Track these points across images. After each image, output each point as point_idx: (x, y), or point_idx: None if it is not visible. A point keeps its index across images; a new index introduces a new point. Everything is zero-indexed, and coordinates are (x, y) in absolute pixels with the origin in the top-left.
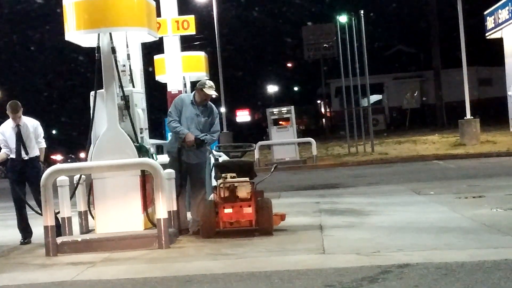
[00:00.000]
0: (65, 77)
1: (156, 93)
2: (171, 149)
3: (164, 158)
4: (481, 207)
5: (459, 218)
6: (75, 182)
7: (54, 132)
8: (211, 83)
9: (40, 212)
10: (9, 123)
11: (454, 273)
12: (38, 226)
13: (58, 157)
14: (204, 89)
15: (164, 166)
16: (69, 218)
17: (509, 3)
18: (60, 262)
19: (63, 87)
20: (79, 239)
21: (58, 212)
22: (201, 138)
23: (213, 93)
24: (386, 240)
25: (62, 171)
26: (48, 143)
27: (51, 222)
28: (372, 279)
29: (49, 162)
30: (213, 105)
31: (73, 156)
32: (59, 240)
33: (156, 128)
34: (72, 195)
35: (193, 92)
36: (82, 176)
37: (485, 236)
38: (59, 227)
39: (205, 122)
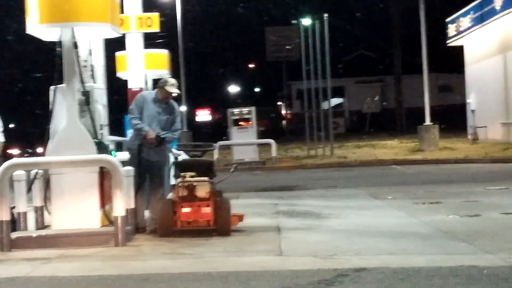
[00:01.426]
0: (25, 71)
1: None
2: (132, 146)
3: (124, 155)
4: (438, 213)
5: (416, 223)
6: (31, 176)
7: (12, 126)
8: (173, 81)
9: None
10: None
11: (411, 278)
12: None
13: (15, 151)
14: (165, 87)
15: (124, 163)
16: (25, 213)
17: (471, 12)
18: (15, 258)
19: (23, 81)
20: (34, 235)
21: (14, 207)
22: (161, 136)
23: (175, 91)
24: (343, 243)
25: (19, 165)
26: (6, 136)
27: (6, 216)
28: (329, 282)
29: (6, 156)
30: (174, 103)
31: (30, 151)
32: (13, 235)
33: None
34: (29, 190)
35: (155, 90)
36: (39, 171)
37: (441, 242)
38: (14, 222)
39: (167, 120)
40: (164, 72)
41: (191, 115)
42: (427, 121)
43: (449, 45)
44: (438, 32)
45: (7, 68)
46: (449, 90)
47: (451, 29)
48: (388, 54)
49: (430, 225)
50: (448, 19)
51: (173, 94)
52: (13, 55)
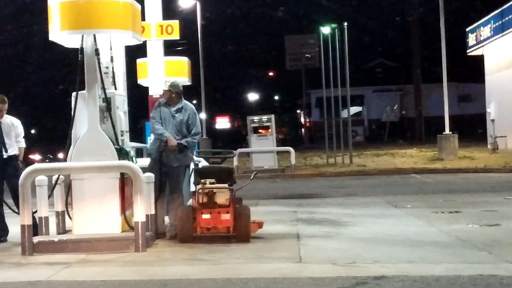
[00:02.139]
0: (47, 77)
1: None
2: (152, 152)
3: (144, 161)
4: (457, 222)
5: (436, 232)
6: (53, 182)
7: (33, 131)
8: (168, 80)
9: (17, 211)
10: None
11: (430, 286)
12: (15, 225)
13: (36, 156)
14: (163, 89)
15: (144, 169)
16: (46, 218)
17: (491, 21)
18: (36, 262)
19: (44, 86)
20: (56, 239)
21: (36, 212)
22: (183, 144)
23: (165, 88)
24: (363, 251)
25: (41, 170)
26: (27, 142)
27: (28, 221)
28: None
29: (27, 162)
30: (190, 105)
31: (51, 156)
32: (35, 239)
33: (137, 131)
34: (50, 195)
35: None
36: (61, 176)
37: (460, 251)
38: (36, 227)
39: (181, 122)
40: (184, 79)
41: (210, 122)
42: (447, 130)
43: (469, 54)
44: (458, 41)
45: (29, 74)
46: (468, 99)
47: (471, 39)
48: (407, 63)
49: (449, 234)
50: (468, 28)
51: (173, 90)
52: (36, 61)
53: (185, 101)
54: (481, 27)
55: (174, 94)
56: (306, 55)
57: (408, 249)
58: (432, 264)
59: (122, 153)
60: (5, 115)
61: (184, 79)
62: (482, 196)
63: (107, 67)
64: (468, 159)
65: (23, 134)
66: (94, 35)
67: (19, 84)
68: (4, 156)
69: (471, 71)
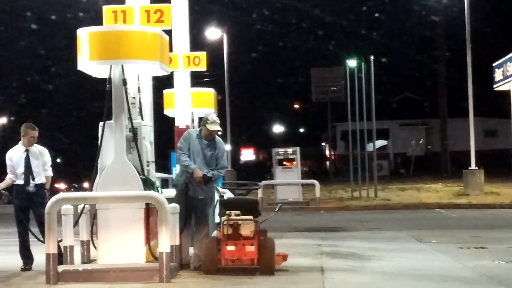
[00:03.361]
0: (73, 107)
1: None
2: (178, 182)
3: (169, 192)
4: (483, 258)
5: (461, 268)
6: (79, 211)
7: (58, 160)
8: (214, 118)
9: (42, 239)
10: (17, 149)
11: None
12: (40, 253)
13: (61, 185)
14: (206, 125)
15: (169, 200)
16: (71, 247)
17: None
18: None
19: (70, 116)
20: (80, 269)
21: (61, 240)
22: (208, 175)
23: (215, 128)
24: (387, 285)
25: (67, 199)
26: (53, 171)
27: (53, 250)
28: None
29: (53, 191)
30: (220, 140)
31: (76, 186)
32: (60, 268)
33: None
34: (75, 224)
35: (200, 128)
36: (86, 205)
37: None
38: (61, 255)
39: (211, 156)
40: (210, 110)
41: (235, 153)
42: (473, 165)
43: (495, 89)
44: (485, 76)
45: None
46: (494, 134)
47: (498, 74)
48: (433, 97)
49: (475, 270)
50: (495, 64)
51: (215, 131)
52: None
53: (217, 136)
54: (508, 62)
55: (216, 132)
56: (332, 88)
57: (433, 284)
58: None
59: (147, 183)
60: (34, 144)
61: (211, 110)
62: (509, 232)
63: (134, 97)
64: (494, 195)
65: (50, 163)
66: (122, 66)
67: (46, 113)
68: (31, 185)
69: (497, 106)
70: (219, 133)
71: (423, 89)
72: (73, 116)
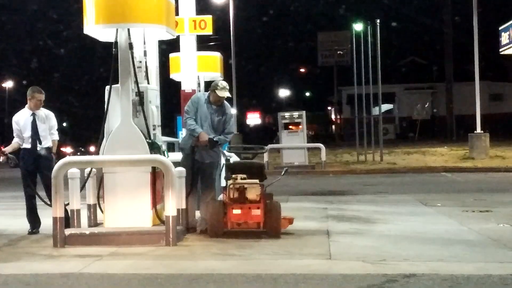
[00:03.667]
0: (80, 71)
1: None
2: (185, 146)
3: (176, 156)
4: (488, 222)
5: (466, 231)
6: (85, 175)
7: (64, 124)
8: (224, 84)
9: (49, 203)
10: (24, 112)
11: (460, 285)
12: (47, 217)
13: (68, 149)
14: (216, 91)
15: (175, 163)
16: (78, 211)
17: None
18: (67, 254)
19: (82, 80)
20: (87, 232)
21: (68, 204)
22: (214, 139)
23: (225, 95)
24: (392, 249)
25: (73, 163)
26: (59, 135)
27: (60, 213)
28: (378, 287)
29: (59, 155)
30: (228, 105)
31: (82, 149)
32: (67, 232)
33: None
34: (82, 187)
35: (208, 92)
36: (93, 169)
37: (491, 250)
38: (67, 219)
39: (219, 121)
40: (216, 74)
41: (241, 117)
42: (478, 129)
43: (501, 53)
44: (491, 40)
45: (61, 67)
46: (500, 98)
47: (504, 37)
48: (439, 61)
49: (480, 233)
50: (501, 27)
51: (224, 97)
52: (68, 55)
53: (225, 101)
54: None
55: (225, 98)
56: (338, 52)
57: (438, 247)
58: (462, 263)
59: (154, 147)
60: (40, 108)
61: (217, 74)
62: None
63: (140, 61)
64: (500, 158)
65: (56, 127)
66: (128, 29)
67: (52, 77)
68: (38, 148)
69: (503, 70)
70: (226, 97)
71: (429, 53)
72: (80, 79)
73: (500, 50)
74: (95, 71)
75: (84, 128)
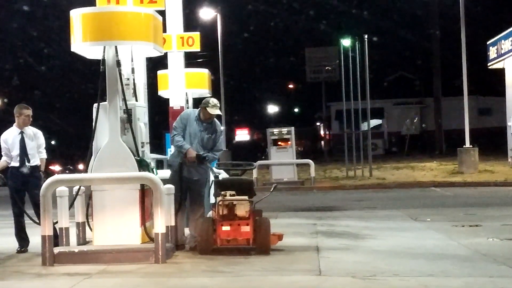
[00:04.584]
0: (67, 89)
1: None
2: (173, 163)
3: (164, 173)
4: (478, 236)
5: (455, 245)
6: (74, 193)
7: (53, 142)
8: (215, 101)
9: (38, 221)
10: (12, 131)
11: None
12: (35, 235)
13: (56, 167)
14: (207, 108)
15: (164, 181)
16: (67, 229)
17: None
18: (56, 272)
19: (64, 98)
20: (76, 250)
21: (56, 222)
22: (203, 155)
23: (216, 112)
24: (382, 264)
25: (62, 181)
26: (48, 153)
27: (49, 231)
28: None
29: (48, 173)
30: (218, 123)
31: (71, 167)
32: (56, 250)
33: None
34: (71, 205)
35: (199, 109)
36: (82, 187)
37: (481, 265)
38: (56, 237)
39: (208, 139)
40: (204, 91)
41: (230, 134)
42: (467, 144)
43: (490, 67)
44: (479, 54)
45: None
46: (489, 112)
47: (492, 52)
48: (428, 76)
49: (469, 248)
50: (489, 42)
51: (215, 115)
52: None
53: (215, 119)
54: (502, 40)
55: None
56: (326, 68)
57: (428, 262)
58: (452, 278)
59: (142, 165)
60: (28, 126)
61: (205, 91)
62: (503, 210)
63: (128, 79)
64: (489, 173)
65: (44, 145)
66: (116, 47)
67: (39, 94)
68: (26, 167)
69: (491, 84)
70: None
71: (417, 68)
72: (67, 97)
73: (488, 64)
74: (83, 88)
75: (73, 146)
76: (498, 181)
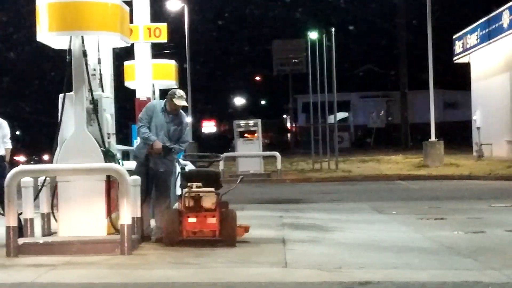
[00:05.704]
0: (32, 78)
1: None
2: (139, 155)
3: (130, 164)
4: (443, 229)
5: (421, 238)
6: (39, 184)
7: (18, 133)
8: (181, 93)
9: (2, 212)
10: None
11: None
12: None
13: (21, 158)
14: (173, 99)
15: (130, 172)
16: (32, 220)
17: (478, 29)
18: (21, 264)
19: (30, 87)
20: (41, 241)
21: (21, 213)
22: (169, 147)
23: (182, 103)
24: (348, 256)
25: (27, 172)
26: (12, 144)
27: (13, 222)
28: None
29: (12, 163)
30: (184, 114)
31: (36, 158)
32: (20, 241)
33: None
34: (36, 196)
35: (165, 100)
36: (47, 178)
37: (445, 258)
38: (21, 228)
39: (175, 130)
40: (171, 82)
41: (196, 126)
42: (433, 137)
43: (456, 61)
44: (445, 49)
45: (15, 75)
46: (454, 106)
47: (458, 46)
48: (394, 70)
49: (434, 241)
50: (455, 36)
51: (181, 106)
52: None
53: (180, 110)
54: (468, 35)
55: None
56: (293, 60)
57: (393, 255)
58: (417, 270)
59: (108, 156)
60: None
61: (172, 82)
62: (467, 203)
63: (94, 69)
64: (454, 166)
65: (9, 135)
66: (82, 37)
67: (4, 84)
68: None
69: (457, 78)
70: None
71: (384, 61)
72: (36, 84)
73: (454, 58)
74: (48, 76)
75: (40, 136)
76: (463, 174)
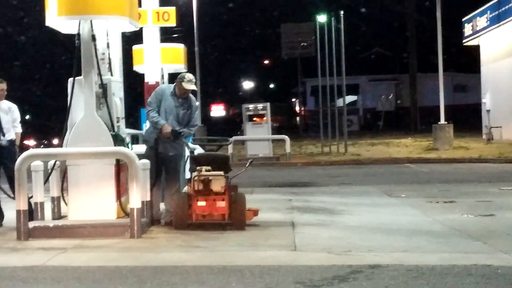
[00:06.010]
0: (42, 63)
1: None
2: (148, 139)
3: (140, 148)
4: (452, 212)
5: (430, 221)
6: (49, 167)
7: (28, 117)
8: (190, 76)
9: (13, 196)
10: None
11: (425, 276)
12: (10, 209)
13: (31, 142)
14: (182, 83)
15: (140, 156)
16: (42, 203)
17: (488, 11)
18: (31, 247)
19: (40, 72)
20: (51, 225)
21: (31, 197)
22: (178, 131)
23: (191, 87)
24: (357, 240)
25: (37, 156)
26: (22, 127)
27: (23, 206)
28: (343, 278)
29: (23, 147)
30: (194, 98)
31: (46, 142)
32: (31, 224)
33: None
34: (46, 180)
35: (174, 84)
36: (57, 162)
37: (455, 241)
38: (31, 212)
39: (184, 114)
40: (180, 66)
41: (205, 110)
42: (442, 120)
43: (465, 44)
44: (454, 31)
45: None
46: (464, 89)
47: (468, 29)
48: (403, 53)
49: (444, 224)
50: (464, 18)
51: (190, 90)
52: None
53: (190, 94)
54: (478, 17)
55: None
56: (302, 44)
57: (402, 238)
58: (426, 254)
59: (117, 140)
60: (3, 100)
61: (180, 66)
62: (477, 186)
63: (103, 53)
64: (463, 149)
65: (19, 119)
66: (91, 21)
67: (15, 69)
68: (2, 141)
69: (467, 61)
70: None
71: (393, 44)
72: (46, 69)
73: (464, 41)
74: (58, 60)
75: (51, 120)
76: (472, 157)
